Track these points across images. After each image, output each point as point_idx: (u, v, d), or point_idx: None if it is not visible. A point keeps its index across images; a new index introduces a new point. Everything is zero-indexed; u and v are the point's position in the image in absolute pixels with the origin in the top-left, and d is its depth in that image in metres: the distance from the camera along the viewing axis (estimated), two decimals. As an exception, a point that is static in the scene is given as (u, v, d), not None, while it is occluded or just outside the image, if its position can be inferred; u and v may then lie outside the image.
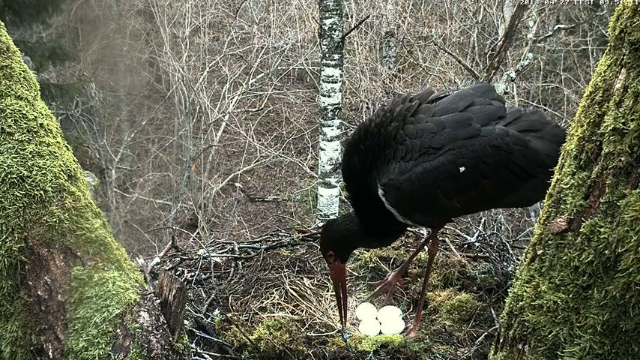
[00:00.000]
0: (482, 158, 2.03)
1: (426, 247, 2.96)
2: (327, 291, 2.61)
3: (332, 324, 2.38)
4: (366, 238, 2.27)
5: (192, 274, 2.72)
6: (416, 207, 2.12)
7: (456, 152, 2.02)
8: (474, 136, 2.03)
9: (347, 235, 2.23)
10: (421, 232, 3.03)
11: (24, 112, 1.74)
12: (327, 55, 5.78)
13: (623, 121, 1.25)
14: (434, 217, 2.23)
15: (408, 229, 3.05)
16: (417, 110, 2.14)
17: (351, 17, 11.41)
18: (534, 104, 10.67)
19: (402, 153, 2.06)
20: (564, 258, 1.37)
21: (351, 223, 2.24)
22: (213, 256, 2.86)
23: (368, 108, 11.35)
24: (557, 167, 1.46)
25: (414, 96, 2.24)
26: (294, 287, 2.55)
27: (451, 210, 2.15)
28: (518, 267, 1.83)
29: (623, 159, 1.25)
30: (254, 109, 13.05)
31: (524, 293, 1.47)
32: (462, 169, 2.02)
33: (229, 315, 2.29)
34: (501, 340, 1.58)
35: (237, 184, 12.67)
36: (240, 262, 2.81)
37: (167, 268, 2.78)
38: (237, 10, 12.08)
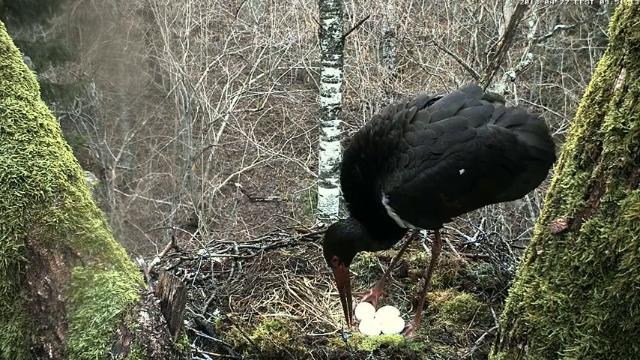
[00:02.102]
0: (480, 158, 2.09)
1: (426, 247, 2.97)
2: (327, 291, 2.61)
3: (332, 324, 2.38)
4: (368, 241, 2.30)
5: (192, 274, 2.72)
6: (419, 212, 2.18)
7: (456, 155, 2.07)
8: (471, 138, 2.10)
9: (350, 239, 2.26)
10: (421, 232, 3.03)
11: (24, 112, 1.74)
12: (327, 55, 5.78)
13: (623, 121, 1.25)
14: (436, 220, 2.29)
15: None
16: (415, 116, 2.18)
17: (351, 17, 11.41)
18: (534, 104, 10.67)
19: (405, 161, 2.11)
20: (564, 258, 1.37)
21: (353, 227, 2.27)
22: (213, 256, 2.86)
23: (368, 108, 11.36)
24: (557, 167, 1.46)
25: (410, 102, 2.28)
26: (294, 287, 2.55)
27: (452, 211, 2.22)
28: (518, 267, 1.84)
29: (623, 159, 1.25)
30: (254, 109, 13.05)
31: (524, 293, 1.47)
32: (462, 171, 2.08)
33: (229, 315, 2.29)
34: (501, 340, 1.58)
35: (237, 184, 12.67)
36: (240, 262, 2.81)
37: (167, 268, 2.78)
38: (237, 10, 12.08)
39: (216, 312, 2.40)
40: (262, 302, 2.47)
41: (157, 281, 1.82)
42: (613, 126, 1.26)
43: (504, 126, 2.16)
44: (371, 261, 2.75)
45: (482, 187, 2.16)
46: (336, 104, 5.92)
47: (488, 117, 2.16)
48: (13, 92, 1.75)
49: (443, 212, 2.21)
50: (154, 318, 1.68)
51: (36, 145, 1.74)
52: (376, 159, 2.17)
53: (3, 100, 1.72)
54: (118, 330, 1.64)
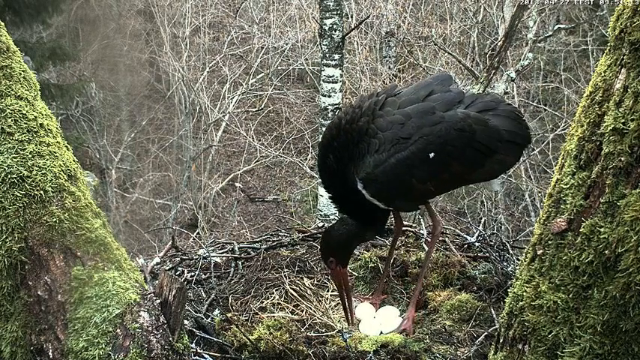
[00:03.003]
0: (449, 142, 2.15)
1: (426, 247, 2.96)
2: (327, 291, 2.61)
3: (332, 324, 2.38)
4: (362, 232, 2.35)
5: (192, 274, 2.71)
6: (394, 195, 2.24)
7: (425, 139, 2.14)
8: (439, 122, 2.16)
9: (344, 238, 2.32)
10: (421, 232, 3.03)
11: (24, 112, 1.74)
12: (327, 55, 5.78)
13: (623, 121, 1.25)
14: (411, 202, 2.36)
15: (409, 229, 3.07)
16: (384, 104, 2.25)
17: (351, 17, 11.41)
18: (534, 104, 10.67)
19: (375, 146, 2.17)
20: (564, 258, 1.37)
21: (345, 226, 2.33)
22: (213, 256, 2.86)
23: (368, 108, 11.33)
24: (557, 167, 1.46)
25: (380, 91, 2.37)
26: (294, 287, 2.55)
27: (426, 193, 2.30)
28: (518, 267, 1.83)
29: (623, 159, 1.25)
30: (254, 109, 13.05)
31: (524, 293, 1.47)
32: (432, 154, 2.15)
33: (229, 315, 2.29)
34: (501, 340, 1.58)
35: (237, 184, 12.67)
36: (240, 262, 2.81)
37: (167, 268, 2.78)
38: (237, 10, 12.08)
39: (216, 312, 2.40)
40: (262, 302, 2.46)
41: (157, 281, 1.82)
42: (613, 126, 1.26)
43: (476, 111, 2.22)
44: (371, 261, 2.75)
45: (454, 170, 2.22)
46: (336, 104, 5.92)
47: (458, 102, 2.23)
48: (13, 92, 1.75)
49: (417, 195, 2.28)
50: (154, 318, 1.68)
51: (36, 145, 1.74)
52: (347, 146, 2.23)
53: (3, 100, 1.72)
54: (118, 330, 1.64)
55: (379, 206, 2.25)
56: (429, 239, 3.04)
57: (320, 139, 2.46)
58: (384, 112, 2.22)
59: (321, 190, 6.14)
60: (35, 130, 1.75)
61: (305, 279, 2.63)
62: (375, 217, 2.36)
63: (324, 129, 5.96)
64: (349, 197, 2.27)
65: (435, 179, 2.22)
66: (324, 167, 2.34)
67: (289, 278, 2.59)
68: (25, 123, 1.74)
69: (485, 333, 2.22)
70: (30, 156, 1.71)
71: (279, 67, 13.06)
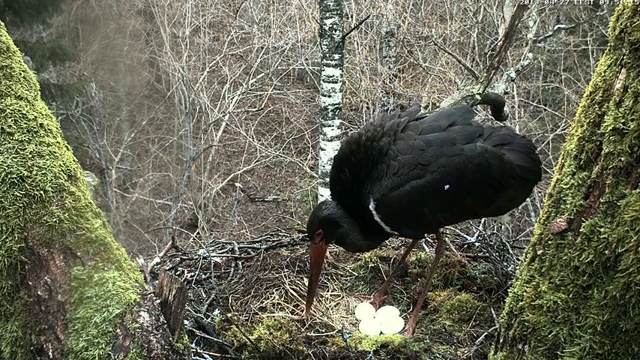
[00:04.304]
0: (466, 175, 2.17)
1: (426, 247, 2.96)
2: (327, 291, 2.61)
3: (332, 324, 2.38)
4: (355, 232, 2.33)
5: (192, 274, 2.71)
6: (403, 222, 2.26)
7: (442, 171, 2.15)
8: (458, 154, 2.17)
9: (343, 219, 2.29)
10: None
11: (24, 112, 1.74)
12: (327, 55, 5.78)
13: (623, 121, 1.25)
14: (418, 230, 2.38)
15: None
16: (406, 127, 2.26)
17: (351, 17, 11.41)
18: (534, 104, 10.67)
19: (394, 169, 2.17)
20: (564, 258, 1.37)
21: (346, 215, 2.31)
22: (213, 256, 2.86)
23: (368, 108, 11.36)
24: (557, 167, 1.46)
25: (403, 113, 2.37)
26: (294, 287, 2.55)
27: (435, 223, 2.32)
28: (518, 267, 1.83)
29: (623, 159, 1.25)
30: (254, 109, 13.05)
31: (524, 293, 1.47)
32: (447, 186, 2.15)
33: (229, 315, 2.29)
34: (501, 340, 1.58)
35: (237, 184, 12.67)
36: (240, 262, 2.81)
37: (167, 268, 2.77)
38: (237, 10, 12.08)
39: (216, 312, 2.40)
40: (262, 302, 2.46)
41: (156, 281, 1.82)
42: (613, 126, 1.26)
43: (492, 144, 2.23)
44: (371, 261, 2.75)
45: (466, 203, 2.24)
46: (336, 104, 5.92)
47: (477, 136, 2.24)
48: (13, 92, 1.74)
49: (426, 224, 2.30)
50: (154, 318, 1.68)
51: (36, 145, 1.74)
52: (366, 164, 2.23)
53: (3, 100, 1.72)
54: (118, 330, 1.64)
55: (385, 229, 2.26)
56: (429, 239, 3.04)
57: (337, 151, 2.45)
58: (405, 134, 2.23)
59: (321, 190, 6.14)
60: (35, 130, 1.75)
61: (305, 279, 2.62)
62: (375, 235, 2.36)
63: (324, 129, 5.97)
64: (357, 212, 2.27)
65: (447, 211, 2.24)
66: (337, 180, 2.33)
67: (289, 278, 2.59)
68: (25, 123, 1.74)
69: (485, 333, 2.22)
70: (30, 156, 1.71)
71: (279, 67, 13.06)
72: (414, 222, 2.26)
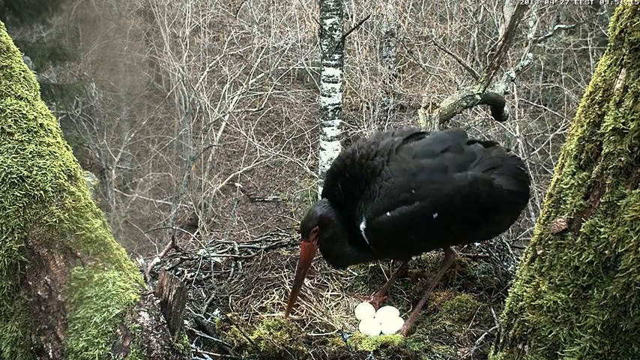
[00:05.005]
0: (455, 204, 2.18)
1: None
2: (327, 291, 2.61)
3: (332, 324, 2.38)
4: (346, 241, 2.33)
5: (192, 274, 2.71)
6: (391, 246, 2.29)
7: (431, 199, 2.17)
8: (448, 183, 2.19)
9: (338, 219, 2.29)
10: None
11: (24, 112, 1.74)
12: (327, 55, 5.78)
13: (623, 121, 1.25)
14: (405, 254, 2.43)
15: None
16: (399, 148, 2.28)
17: (351, 17, 11.41)
18: (534, 104, 10.67)
19: (386, 189, 2.19)
20: (564, 258, 1.37)
21: (343, 232, 2.32)
22: (213, 256, 2.86)
23: (368, 108, 11.35)
24: (557, 167, 1.46)
25: (396, 132, 2.39)
26: (294, 287, 2.54)
27: (422, 248, 2.40)
28: (518, 267, 1.83)
29: (623, 159, 1.25)
30: (254, 109, 13.05)
31: (524, 293, 1.47)
32: (435, 215, 2.17)
33: (229, 315, 2.29)
34: (501, 340, 1.58)
35: (237, 184, 12.67)
36: (240, 262, 2.81)
37: (167, 268, 2.77)
38: (237, 10, 12.08)
39: (216, 312, 2.40)
40: (262, 302, 2.46)
41: (156, 281, 1.82)
42: (613, 126, 1.26)
43: (483, 169, 2.25)
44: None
45: (454, 230, 2.27)
46: (336, 104, 5.92)
47: (469, 163, 2.26)
48: (13, 92, 1.74)
49: (414, 249, 2.36)
50: (154, 318, 1.68)
51: (36, 145, 1.74)
52: (359, 181, 2.25)
53: (3, 100, 1.72)
54: (118, 330, 1.64)
55: (371, 250, 2.30)
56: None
57: (331, 166, 2.46)
58: (399, 157, 2.25)
59: (322, 190, 6.14)
60: (35, 130, 1.75)
61: (305, 279, 2.62)
62: (363, 252, 2.36)
63: (324, 129, 5.97)
64: (348, 227, 2.29)
65: (434, 237, 2.28)
66: (328, 195, 2.36)
67: (289, 278, 2.58)
68: (25, 123, 1.73)
69: (486, 333, 2.22)
70: (30, 156, 1.71)
71: (279, 67, 13.06)
72: (401, 247, 2.30)
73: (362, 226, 2.23)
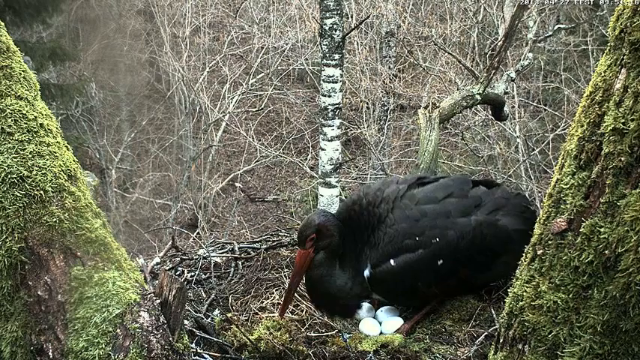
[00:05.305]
0: (459, 250, 2.20)
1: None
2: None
3: (332, 324, 2.38)
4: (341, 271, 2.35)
5: (192, 274, 2.72)
6: (398, 295, 2.35)
7: (435, 246, 2.19)
8: (451, 227, 2.21)
9: (339, 230, 2.29)
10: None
11: (24, 112, 1.74)
12: (327, 55, 5.78)
13: (623, 121, 1.25)
14: (413, 301, 2.43)
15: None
16: (403, 195, 2.32)
17: (351, 17, 11.41)
18: (534, 104, 10.66)
19: (390, 237, 2.23)
20: (564, 258, 1.37)
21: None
22: (213, 256, 2.86)
23: (368, 108, 11.35)
24: (557, 167, 1.46)
25: (401, 180, 2.45)
26: (294, 287, 2.54)
27: (430, 296, 2.36)
28: (518, 267, 1.83)
29: (623, 159, 1.25)
30: (254, 109, 13.04)
31: (524, 293, 1.46)
32: (440, 261, 2.20)
33: (229, 315, 2.29)
34: (501, 340, 1.58)
35: (237, 184, 12.67)
36: (240, 262, 2.81)
37: (167, 268, 2.78)
38: (237, 10, 12.07)
39: (216, 312, 2.40)
40: (262, 302, 2.46)
41: (157, 281, 1.82)
42: (613, 126, 1.26)
43: (487, 212, 2.27)
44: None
45: (461, 275, 2.29)
46: (336, 104, 5.92)
47: (473, 208, 2.28)
48: (13, 92, 1.74)
49: (421, 296, 2.35)
50: (154, 318, 1.68)
51: (36, 145, 1.73)
52: (366, 229, 2.29)
53: (3, 100, 1.72)
54: (118, 330, 1.64)
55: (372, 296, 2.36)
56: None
57: (339, 209, 2.52)
58: (402, 204, 2.28)
59: (322, 190, 6.14)
60: (35, 130, 1.75)
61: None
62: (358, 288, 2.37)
63: (324, 129, 5.97)
64: (353, 268, 2.33)
65: (441, 284, 2.28)
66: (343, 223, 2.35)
67: (289, 278, 2.58)
68: (25, 123, 1.73)
69: (486, 333, 2.22)
70: (30, 156, 1.71)
71: (279, 67, 13.06)
72: (407, 295, 2.33)
73: (366, 273, 2.27)
